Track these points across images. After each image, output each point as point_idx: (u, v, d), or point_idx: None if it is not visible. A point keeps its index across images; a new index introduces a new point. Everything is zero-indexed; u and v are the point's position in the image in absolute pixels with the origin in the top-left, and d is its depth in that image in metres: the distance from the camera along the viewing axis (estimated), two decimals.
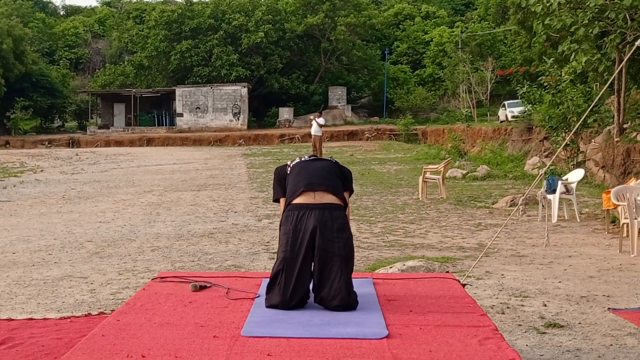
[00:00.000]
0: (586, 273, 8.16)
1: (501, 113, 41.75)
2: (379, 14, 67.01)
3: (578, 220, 12.17)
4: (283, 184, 4.69)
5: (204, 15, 56.65)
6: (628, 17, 14.03)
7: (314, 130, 28.01)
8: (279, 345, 3.55)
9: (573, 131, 12.77)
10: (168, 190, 18.52)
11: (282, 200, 4.63)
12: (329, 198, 4.44)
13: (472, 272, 7.76)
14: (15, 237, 11.29)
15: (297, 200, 4.43)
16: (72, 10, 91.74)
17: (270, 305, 4.29)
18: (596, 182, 17.30)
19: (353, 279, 4.45)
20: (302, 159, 4.79)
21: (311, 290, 4.39)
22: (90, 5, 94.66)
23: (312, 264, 4.36)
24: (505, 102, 42.12)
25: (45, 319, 6.00)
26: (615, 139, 16.92)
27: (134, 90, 55.86)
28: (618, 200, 9.98)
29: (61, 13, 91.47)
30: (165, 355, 3.41)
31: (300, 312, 4.24)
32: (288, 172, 4.70)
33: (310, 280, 4.37)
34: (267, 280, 4.49)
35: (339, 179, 4.64)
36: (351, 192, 4.82)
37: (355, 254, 7.93)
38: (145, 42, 58.72)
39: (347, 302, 4.23)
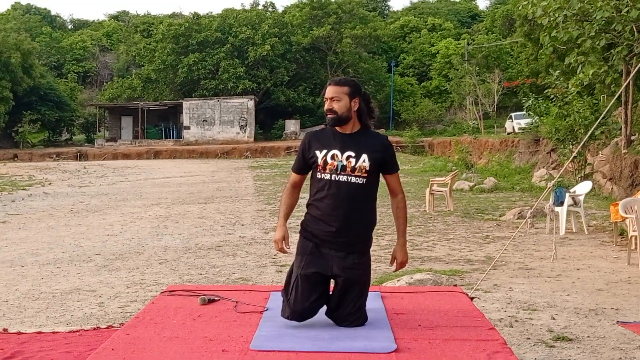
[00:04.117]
0: (594, 286, 8.14)
1: (508, 125, 41.74)
2: (385, 27, 67.26)
3: (586, 233, 12.14)
4: None
5: (211, 28, 56.91)
6: (635, 29, 14.03)
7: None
8: None
9: (581, 144, 12.76)
10: (175, 203, 18.55)
11: None
12: None
13: (480, 285, 7.75)
14: (23, 251, 11.32)
15: None
16: (80, 24, 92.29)
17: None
18: (604, 195, 17.25)
19: None
20: None
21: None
22: (98, 19, 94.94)
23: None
24: (512, 114, 42.12)
25: (54, 332, 6.01)
26: (623, 151, 16.89)
27: (141, 103, 56.09)
28: (626, 213, 9.96)
29: (69, 27, 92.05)
30: None
31: (309, 326, 4.24)
32: None
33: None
34: (276, 293, 4.52)
35: None
36: None
37: None
38: (152, 56, 59.00)
39: (358, 323, 4.26)
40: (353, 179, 4.25)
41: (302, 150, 4.44)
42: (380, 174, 4.41)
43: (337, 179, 4.27)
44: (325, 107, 4.37)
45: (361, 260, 4.33)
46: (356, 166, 4.24)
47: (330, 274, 4.30)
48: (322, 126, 4.53)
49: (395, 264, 4.53)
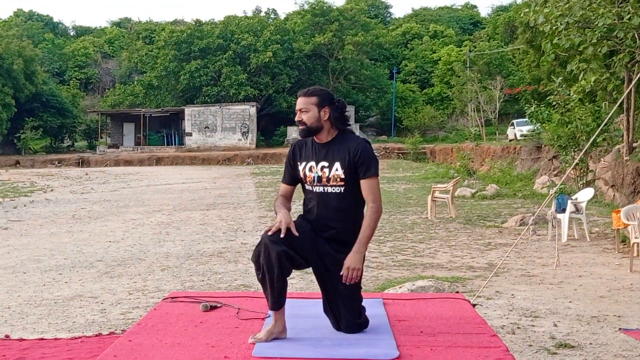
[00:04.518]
0: (597, 293, 8.13)
1: (510, 132, 41.77)
2: (387, 33, 67.40)
3: (588, 240, 12.13)
4: None
5: (213, 35, 57.03)
6: (637, 37, 14.05)
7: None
8: None
9: (583, 151, 12.76)
10: (177, 210, 18.55)
11: None
12: None
13: (482, 292, 7.75)
14: (25, 257, 11.32)
15: None
16: (82, 31, 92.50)
17: None
18: (606, 201, 17.24)
19: (363, 300, 4.44)
20: None
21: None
22: (100, 26, 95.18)
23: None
24: (514, 121, 42.14)
25: (56, 339, 6.00)
26: (625, 158, 16.89)
27: (143, 110, 56.17)
28: (628, 220, 9.95)
29: (71, 34, 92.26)
30: None
31: (312, 332, 4.24)
32: None
33: None
34: None
35: None
36: None
37: (365, 273, 7.88)
38: (154, 62, 59.12)
39: (355, 330, 4.27)
40: (329, 189, 4.22)
41: (288, 161, 4.44)
42: None
43: (316, 190, 4.28)
44: (296, 118, 4.35)
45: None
46: (330, 176, 4.21)
47: (318, 255, 4.24)
48: None
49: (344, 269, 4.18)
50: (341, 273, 4.15)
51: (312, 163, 4.29)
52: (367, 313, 4.38)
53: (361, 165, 4.18)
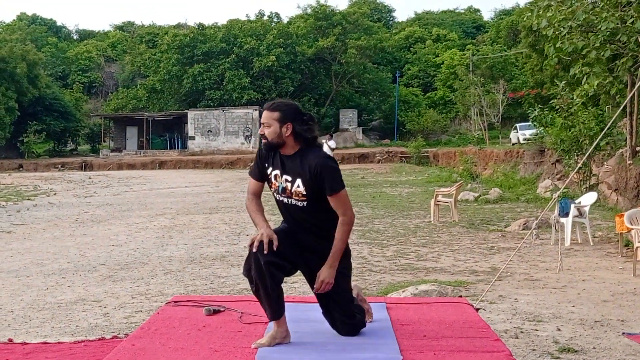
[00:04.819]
0: (600, 297, 8.12)
1: (513, 135, 41.72)
2: (390, 37, 67.39)
3: (591, 244, 12.12)
4: None
5: (216, 39, 57.08)
6: None
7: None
8: None
9: (586, 155, 12.74)
10: (180, 214, 18.56)
11: None
12: None
13: (485, 296, 7.74)
14: (29, 261, 11.33)
15: None
16: (86, 35, 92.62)
17: None
18: (609, 205, 17.22)
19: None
20: None
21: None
22: (104, 30, 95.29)
23: None
24: (517, 125, 42.08)
25: (59, 342, 6.01)
26: (628, 162, 16.87)
27: (146, 113, 56.22)
28: (631, 224, 9.94)
29: (74, 37, 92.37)
30: None
31: (315, 337, 4.24)
32: None
33: None
34: None
35: None
36: None
37: (368, 277, 7.90)
38: (157, 66, 59.19)
39: (350, 330, 4.29)
40: (293, 201, 4.26)
41: (258, 156, 4.43)
42: None
43: (282, 200, 4.31)
44: (259, 131, 4.36)
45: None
46: (292, 191, 4.23)
47: (303, 260, 4.30)
48: None
49: (317, 282, 4.27)
50: (315, 285, 4.23)
51: (278, 172, 4.29)
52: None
53: (324, 182, 4.16)
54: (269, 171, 4.35)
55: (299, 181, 4.19)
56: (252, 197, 4.46)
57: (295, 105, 4.37)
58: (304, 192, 4.20)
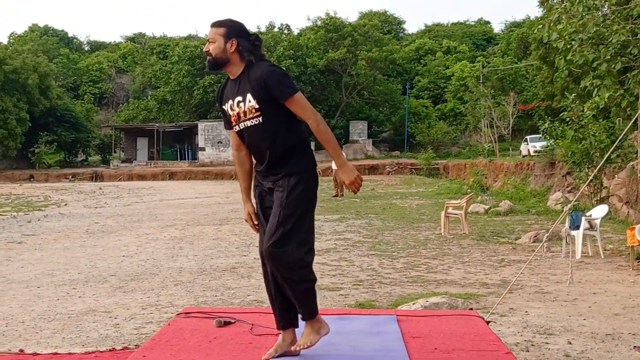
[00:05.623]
0: (611, 310, 8.08)
1: (523, 148, 41.66)
2: (400, 49, 67.50)
3: (602, 257, 12.06)
4: None
5: None
6: None
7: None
8: None
9: (597, 167, 12.71)
10: (190, 225, 18.59)
11: None
12: None
13: (495, 309, 7.72)
14: (39, 271, 11.37)
15: None
16: (97, 46, 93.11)
17: None
18: (620, 218, 17.16)
19: (378, 316, 4.45)
20: None
21: None
22: (115, 41, 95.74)
23: None
24: (528, 137, 42.04)
25: (70, 353, 6.02)
26: (639, 175, 16.81)
27: (156, 124, 56.48)
28: None
29: (86, 48, 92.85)
30: None
31: (325, 349, 4.24)
32: None
33: None
34: None
35: None
36: None
37: (378, 289, 7.85)
38: (168, 77, 59.47)
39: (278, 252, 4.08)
40: (249, 123, 4.12)
41: (220, 106, 4.38)
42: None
43: (242, 128, 4.18)
44: (204, 49, 4.26)
45: (289, 182, 4.10)
46: (245, 109, 4.12)
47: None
48: None
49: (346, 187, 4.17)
50: (340, 192, 4.25)
51: (231, 102, 4.20)
52: (380, 329, 4.38)
53: (274, 89, 4.04)
54: (227, 109, 4.25)
55: (249, 96, 4.08)
56: (236, 153, 4.37)
57: (241, 23, 4.27)
58: (257, 106, 4.07)
